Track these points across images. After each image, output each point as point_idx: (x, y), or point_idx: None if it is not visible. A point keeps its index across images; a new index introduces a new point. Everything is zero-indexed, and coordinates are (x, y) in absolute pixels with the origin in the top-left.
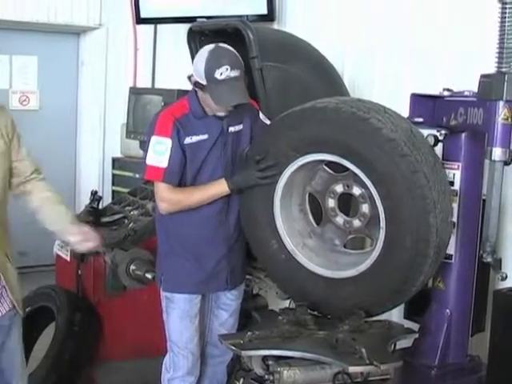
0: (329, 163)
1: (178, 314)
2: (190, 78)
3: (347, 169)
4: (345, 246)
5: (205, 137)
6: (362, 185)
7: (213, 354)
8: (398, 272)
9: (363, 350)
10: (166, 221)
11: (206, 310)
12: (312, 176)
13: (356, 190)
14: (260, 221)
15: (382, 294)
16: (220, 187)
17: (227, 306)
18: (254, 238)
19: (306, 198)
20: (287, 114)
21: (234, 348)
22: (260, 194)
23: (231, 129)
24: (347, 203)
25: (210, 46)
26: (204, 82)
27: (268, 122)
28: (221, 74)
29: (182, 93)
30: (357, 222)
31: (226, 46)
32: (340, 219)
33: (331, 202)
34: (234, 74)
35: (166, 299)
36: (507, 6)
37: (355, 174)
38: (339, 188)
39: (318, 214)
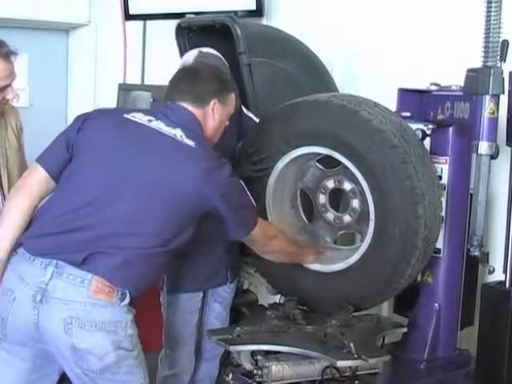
0: (320, 160)
1: (181, 311)
2: None
3: (338, 164)
4: (335, 243)
5: None
6: (353, 180)
7: (208, 347)
8: (386, 264)
9: (351, 345)
10: None
11: (203, 304)
12: (304, 172)
13: (347, 185)
14: None
15: (371, 286)
16: None
17: (223, 298)
18: None
19: (298, 195)
20: (279, 109)
21: (222, 343)
22: (253, 188)
23: None
24: (338, 199)
25: (194, 53)
26: None
27: (251, 115)
28: None
29: None
30: (347, 218)
31: (209, 50)
32: (330, 215)
33: (322, 198)
34: None
35: (169, 297)
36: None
37: (346, 169)
38: (330, 184)
39: (309, 211)
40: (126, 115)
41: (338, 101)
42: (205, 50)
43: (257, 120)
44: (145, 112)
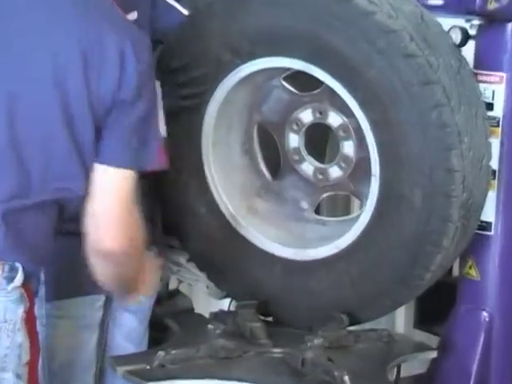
0: (290, 77)
1: (71, 327)
2: None
3: (319, 85)
4: (317, 212)
5: None
6: (343, 110)
7: None
8: (400, 247)
9: (346, 378)
10: None
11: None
12: (263, 98)
13: (333, 119)
14: (180, 170)
15: (376, 284)
16: None
17: (135, 306)
18: (169, 198)
19: (255, 133)
20: None
21: (135, 378)
22: (180, 126)
23: None
24: (320, 142)
25: None
26: None
27: (174, 3)
28: None
29: None
30: (335, 171)
31: None
32: (309, 167)
33: (294, 140)
34: None
35: (51, 306)
36: None
37: (332, 92)
38: (307, 116)
39: (274, 160)
40: None
41: None
42: None
43: (185, 12)
44: None
